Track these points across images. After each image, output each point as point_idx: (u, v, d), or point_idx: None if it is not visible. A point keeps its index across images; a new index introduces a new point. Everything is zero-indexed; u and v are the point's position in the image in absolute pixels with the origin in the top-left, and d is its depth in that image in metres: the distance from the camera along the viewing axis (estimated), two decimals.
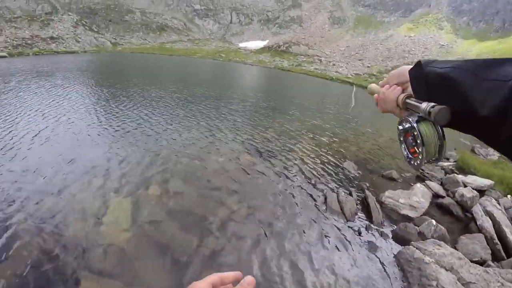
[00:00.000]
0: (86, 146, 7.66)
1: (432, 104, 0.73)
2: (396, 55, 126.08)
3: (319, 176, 7.49)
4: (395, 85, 0.93)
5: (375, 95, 1.05)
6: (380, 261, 4.80)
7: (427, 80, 0.73)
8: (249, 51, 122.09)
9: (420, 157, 0.83)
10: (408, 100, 0.86)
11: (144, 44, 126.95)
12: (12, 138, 7.94)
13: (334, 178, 7.54)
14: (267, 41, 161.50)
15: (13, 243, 4.18)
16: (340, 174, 7.89)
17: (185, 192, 5.76)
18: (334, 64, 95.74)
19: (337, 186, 7.13)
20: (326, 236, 5.18)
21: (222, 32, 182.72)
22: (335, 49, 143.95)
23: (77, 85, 17.51)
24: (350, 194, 6.67)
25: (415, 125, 0.81)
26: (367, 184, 7.51)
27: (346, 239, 5.17)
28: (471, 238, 5.71)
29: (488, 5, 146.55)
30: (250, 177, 6.76)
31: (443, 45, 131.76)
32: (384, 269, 4.63)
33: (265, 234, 4.99)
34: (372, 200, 6.43)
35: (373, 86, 1.12)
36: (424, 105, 0.75)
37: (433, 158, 0.83)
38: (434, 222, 5.82)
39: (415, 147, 0.85)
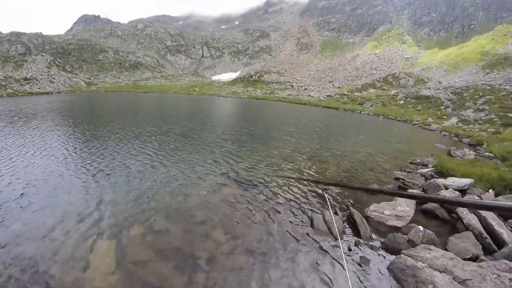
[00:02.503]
0: (68, 189, 7.45)
1: None
2: (364, 73, 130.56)
3: (303, 200, 7.51)
4: None
5: None
6: (374, 274, 4.78)
7: None
8: (222, 84, 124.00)
9: None
10: None
11: (118, 82, 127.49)
12: None
13: (318, 200, 7.57)
14: (239, 72, 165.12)
15: None
16: (323, 195, 7.90)
17: (170, 229, 5.65)
18: (306, 89, 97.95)
19: (321, 207, 7.15)
20: (317, 257, 5.14)
21: (195, 66, 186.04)
22: (305, 74, 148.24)
23: (57, 126, 17.61)
24: (336, 213, 6.69)
25: None
26: (351, 201, 7.58)
27: (337, 258, 5.14)
28: (460, 237, 5.79)
29: (446, 14, 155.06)
30: (234, 208, 6.70)
31: (407, 58, 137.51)
32: (379, 282, 4.61)
33: (255, 264, 4.91)
34: (358, 216, 6.47)
35: None
36: None
37: None
38: (421, 228, 5.89)
39: None
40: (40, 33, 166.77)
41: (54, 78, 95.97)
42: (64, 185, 7.79)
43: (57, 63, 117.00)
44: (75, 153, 11.18)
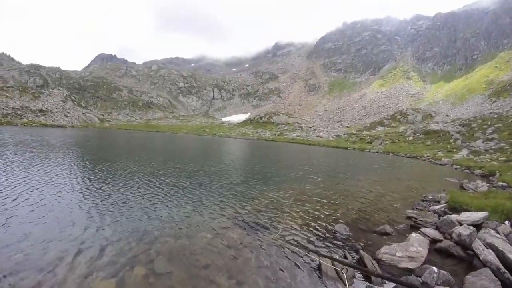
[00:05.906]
0: (72, 223, 7.32)
1: None
2: (372, 111, 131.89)
3: (310, 244, 7.28)
4: None
5: None
6: None
7: None
8: (232, 125, 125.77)
9: None
10: None
11: (130, 121, 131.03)
12: None
13: (326, 243, 7.34)
14: (249, 113, 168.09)
15: None
16: (332, 238, 7.71)
17: (172, 272, 5.45)
18: (314, 129, 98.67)
19: (330, 251, 6.91)
20: None
21: (206, 108, 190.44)
22: (314, 114, 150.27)
23: (66, 159, 18.17)
24: (345, 257, 6.45)
25: None
26: (361, 244, 7.32)
27: None
28: (477, 275, 5.52)
29: (448, 47, 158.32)
30: (240, 252, 6.51)
31: (414, 93, 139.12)
32: None
33: None
34: (368, 260, 6.23)
35: None
36: None
37: None
38: (435, 269, 5.62)
39: None
40: (58, 67, 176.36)
41: (69, 112, 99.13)
42: (68, 218, 7.72)
43: (73, 98, 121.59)
44: (84, 188, 11.15)
